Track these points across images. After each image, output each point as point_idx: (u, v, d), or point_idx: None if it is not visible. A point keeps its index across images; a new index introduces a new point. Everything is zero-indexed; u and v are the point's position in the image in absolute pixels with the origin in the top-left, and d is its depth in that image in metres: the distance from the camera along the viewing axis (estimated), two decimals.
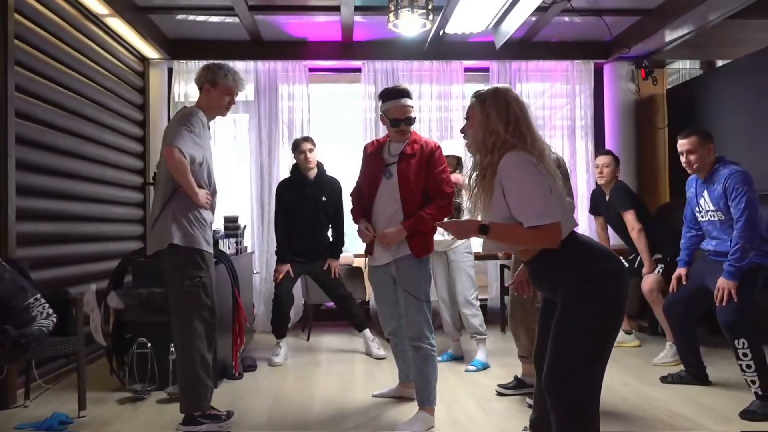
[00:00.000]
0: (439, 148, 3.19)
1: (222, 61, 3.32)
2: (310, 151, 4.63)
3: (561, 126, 6.23)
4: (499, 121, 2.09)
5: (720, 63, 6.27)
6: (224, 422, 3.10)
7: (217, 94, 3.18)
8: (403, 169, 3.10)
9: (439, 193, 3.11)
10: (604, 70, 6.32)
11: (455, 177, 3.92)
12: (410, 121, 3.15)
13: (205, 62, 5.68)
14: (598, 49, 6.06)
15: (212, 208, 3.21)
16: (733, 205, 3.28)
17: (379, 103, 3.26)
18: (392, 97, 3.14)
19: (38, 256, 3.79)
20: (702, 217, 3.58)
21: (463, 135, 2.28)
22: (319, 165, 4.73)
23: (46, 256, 3.90)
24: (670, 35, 5.45)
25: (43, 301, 3.24)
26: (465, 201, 4.07)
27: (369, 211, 3.21)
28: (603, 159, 4.69)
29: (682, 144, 3.54)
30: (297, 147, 4.67)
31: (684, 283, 3.67)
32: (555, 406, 1.96)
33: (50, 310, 3.23)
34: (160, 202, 3.06)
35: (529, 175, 2.01)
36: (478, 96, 2.20)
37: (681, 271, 3.70)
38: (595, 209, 4.91)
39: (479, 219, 2.16)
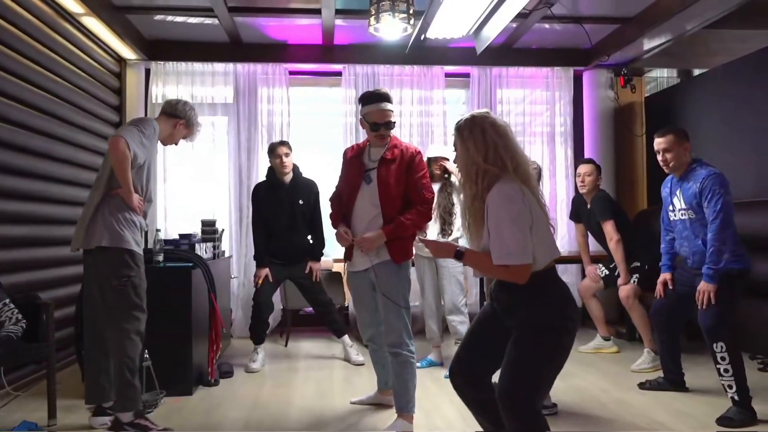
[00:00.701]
0: (419, 153, 3.16)
1: (192, 106, 3.45)
2: (286, 155, 4.59)
3: (541, 132, 6.26)
4: (477, 153, 2.14)
5: (697, 72, 6.36)
6: None
7: (183, 132, 3.36)
8: (383, 175, 3.07)
9: (420, 198, 3.08)
10: (583, 77, 6.37)
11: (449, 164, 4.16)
12: (390, 125, 3.12)
13: (184, 63, 5.78)
14: (577, 56, 6.11)
15: (144, 216, 3.23)
16: (709, 206, 3.28)
17: (359, 107, 3.22)
18: (372, 101, 3.11)
19: (8, 260, 3.69)
20: (674, 216, 3.57)
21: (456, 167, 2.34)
22: (295, 168, 4.69)
23: (16, 259, 3.80)
24: (648, 44, 5.52)
25: (12, 306, 3.15)
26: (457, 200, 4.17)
27: (348, 216, 3.17)
28: (585, 168, 4.71)
29: (658, 142, 3.55)
30: (273, 151, 4.62)
31: (670, 287, 3.67)
32: (510, 419, 2.09)
33: (19, 316, 3.15)
34: (94, 202, 3.07)
35: (508, 213, 2.06)
36: (457, 128, 2.24)
37: (666, 275, 3.70)
38: (576, 216, 4.93)
39: (466, 244, 2.28)
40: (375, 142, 3.16)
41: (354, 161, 3.21)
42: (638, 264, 4.48)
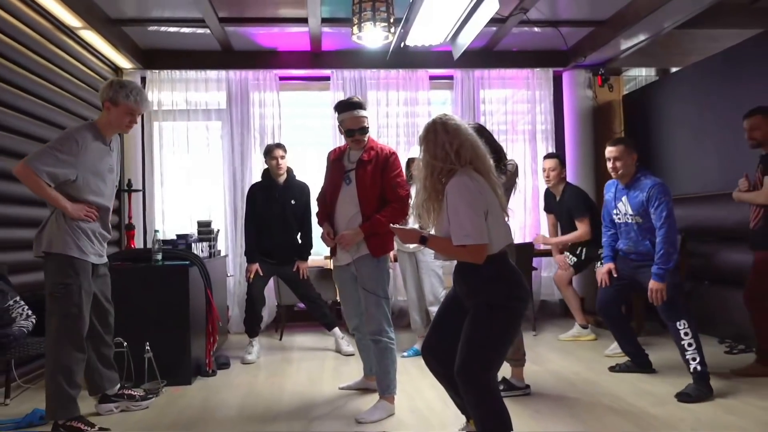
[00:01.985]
0: (393, 154, 3.42)
1: (129, 80, 3.30)
2: (282, 157, 4.84)
3: (523, 131, 6.51)
4: (427, 152, 2.43)
5: (674, 70, 6.61)
6: None
7: (118, 112, 3.19)
8: (361, 175, 3.33)
9: (395, 196, 3.33)
10: (563, 77, 6.61)
11: None
12: (364, 130, 3.38)
13: (178, 71, 6.02)
14: (556, 57, 6.35)
15: (103, 224, 3.24)
16: (656, 213, 3.62)
17: (335, 115, 3.48)
18: (346, 109, 3.37)
19: (16, 261, 3.93)
20: (619, 219, 3.90)
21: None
22: (289, 170, 4.95)
23: (23, 261, 4.04)
24: (624, 44, 5.75)
25: (22, 303, 3.40)
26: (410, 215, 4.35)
27: (332, 214, 3.43)
28: (548, 162, 5.06)
29: (610, 151, 3.85)
30: (269, 152, 4.88)
31: (615, 275, 3.96)
32: (467, 391, 2.33)
33: (29, 312, 3.40)
34: (48, 211, 3.16)
35: (464, 199, 2.31)
36: (420, 136, 2.52)
37: (609, 265, 4.00)
38: (548, 208, 5.28)
39: (432, 232, 2.50)
40: (352, 146, 3.42)
41: (336, 163, 3.47)
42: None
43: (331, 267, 5.68)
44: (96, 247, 3.21)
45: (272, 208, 4.83)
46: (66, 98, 4.79)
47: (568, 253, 5.12)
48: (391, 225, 2.68)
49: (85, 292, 3.12)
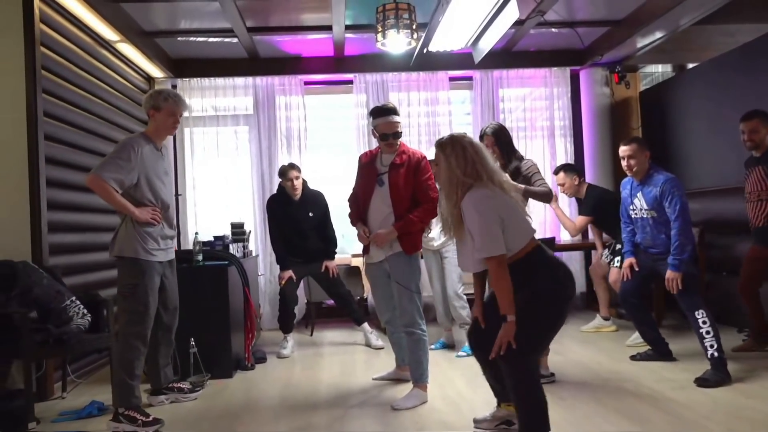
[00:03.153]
0: (425, 158, 3.61)
1: (164, 87, 3.62)
2: (297, 178, 5.07)
3: (542, 128, 6.66)
4: (458, 167, 2.60)
5: (690, 66, 6.71)
6: (141, 427, 3.20)
7: (162, 116, 3.48)
8: (394, 178, 3.53)
9: (426, 198, 3.53)
10: (580, 75, 6.75)
11: None
12: (397, 135, 3.58)
13: (207, 79, 6.26)
14: (573, 56, 6.50)
15: (167, 222, 3.50)
16: (670, 207, 3.80)
17: (370, 119, 3.68)
18: (381, 114, 3.58)
19: (68, 264, 4.19)
20: (635, 214, 4.08)
21: (435, 179, 2.79)
22: (304, 183, 5.17)
23: (74, 263, 4.30)
24: (640, 42, 5.86)
25: (78, 302, 3.65)
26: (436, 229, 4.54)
27: (364, 215, 3.64)
28: (556, 178, 5.32)
29: (623, 150, 4.04)
30: (284, 174, 5.10)
31: (636, 269, 4.13)
32: (509, 375, 2.51)
33: (85, 311, 3.65)
34: (119, 219, 3.43)
35: (479, 215, 2.50)
36: (440, 145, 2.70)
37: (631, 260, 4.19)
38: (580, 212, 5.40)
39: (453, 245, 2.72)
40: (385, 150, 3.62)
41: (368, 166, 3.67)
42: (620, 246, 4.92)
43: (359, 265, 6.03)
44: (162, 247, 3.47)
45: (291, 223, 5.08)
46: (107, 109, 5.04)
47: (606, 252, 5.27)
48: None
49: (152, 290, 3.38)
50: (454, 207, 2.60)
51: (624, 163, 4.03)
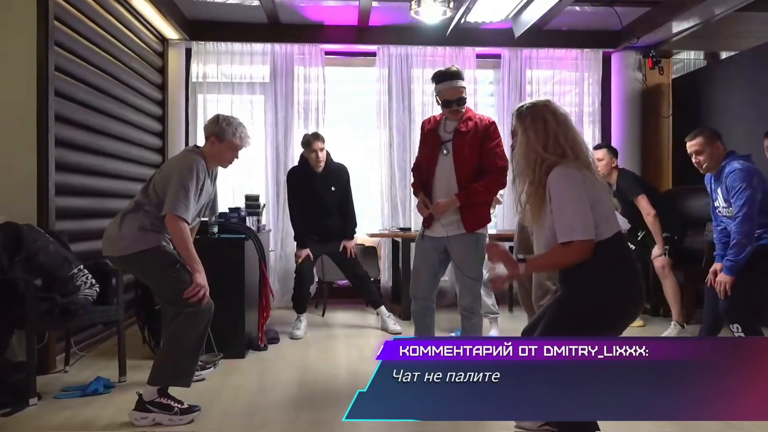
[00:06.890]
0: (493, 123, 3.35)
1: (233, 117, 3.26)
2: (321, 150, 4.76)
3: (570, 112, 6.33)
4: (538, 141, 2.20)
5: (724, 54, 6.45)
6: (177, 416, 2.90)
7: (222, 148, 3.15)
8: (458, 146, 3.27)
9: (494, 165, 3.26)
10: (612, 59, 6.47)
11: None
12: (462, 101, 3.29)
13: (223, 44, 5.96)
14: (607, 38, 6.21)
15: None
16: (735, 202, 3.40)
17: (433, 85, 3.38)
18: (444, 79, 3.28)
19: (75, 230, 3.94)
20: (720, 212, 3.66)
21: (512, 151, 2.42)
22: (327, 155, 4.86)
23: (82, 229, 4.05)
24: (677, 26, 5.60)
25: (86, 271, 3.40)
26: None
27: (428, 185, 3.37)
28: (597, 153, 4.74)
29: (690, 146, 3.62)
30: (309, 144, 4.78)
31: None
32: None
33: (93, 280, 3.40)
34: (131, 208, 3.07)
35: (569, 192, 2.13)
36: (518, 114, 2.30)
37: (717, 265, 3.66)
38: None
39: (532, 230, 2.35)
40: (449, 117, 3.34)
41: (431, 134, 3.40)
42: (668, 235, 4.66)
43: (375, 245, 5.79)
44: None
45: (312, 197, 4.82)
46: (119, 68, 4.76)
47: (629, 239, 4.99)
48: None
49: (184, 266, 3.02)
50: (531, 185, 2.23)
51: (693, 160, 3.63)
